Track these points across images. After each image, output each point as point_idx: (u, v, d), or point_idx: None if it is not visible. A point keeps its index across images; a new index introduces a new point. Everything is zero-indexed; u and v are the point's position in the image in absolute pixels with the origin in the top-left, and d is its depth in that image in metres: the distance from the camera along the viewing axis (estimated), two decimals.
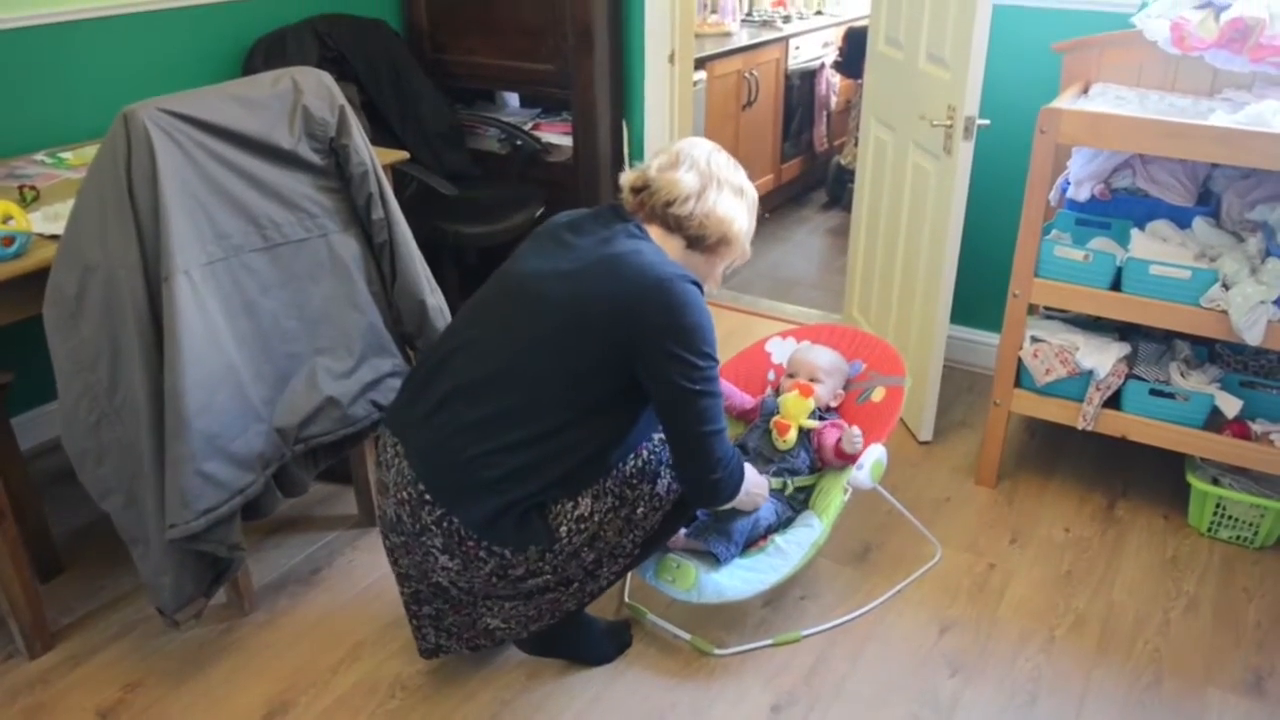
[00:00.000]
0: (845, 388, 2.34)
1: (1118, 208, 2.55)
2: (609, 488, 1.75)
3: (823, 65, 5.23)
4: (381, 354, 2.13)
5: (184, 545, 1.85)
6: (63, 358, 1.82)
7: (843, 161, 5.09)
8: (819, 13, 5.42)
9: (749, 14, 5.11)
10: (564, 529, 1.72)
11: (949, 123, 2.48)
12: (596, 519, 1.74)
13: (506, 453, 1.66)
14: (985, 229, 2.97)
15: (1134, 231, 2.44)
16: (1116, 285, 2.36)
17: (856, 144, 4.88)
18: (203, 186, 1.80)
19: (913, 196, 2.78)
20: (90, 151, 2.61)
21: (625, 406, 1.73)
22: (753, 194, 1.89)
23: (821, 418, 2.23)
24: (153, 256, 1.75)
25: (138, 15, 2.86)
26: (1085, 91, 2.63)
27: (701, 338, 1.66)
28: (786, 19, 5.07)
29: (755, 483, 1.98)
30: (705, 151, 1.84)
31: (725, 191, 1.81)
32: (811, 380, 2.26)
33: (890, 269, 2.96)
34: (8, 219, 1.92)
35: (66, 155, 2.59)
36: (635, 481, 1.78)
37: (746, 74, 4.50)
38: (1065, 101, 2.45)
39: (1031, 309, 2.51)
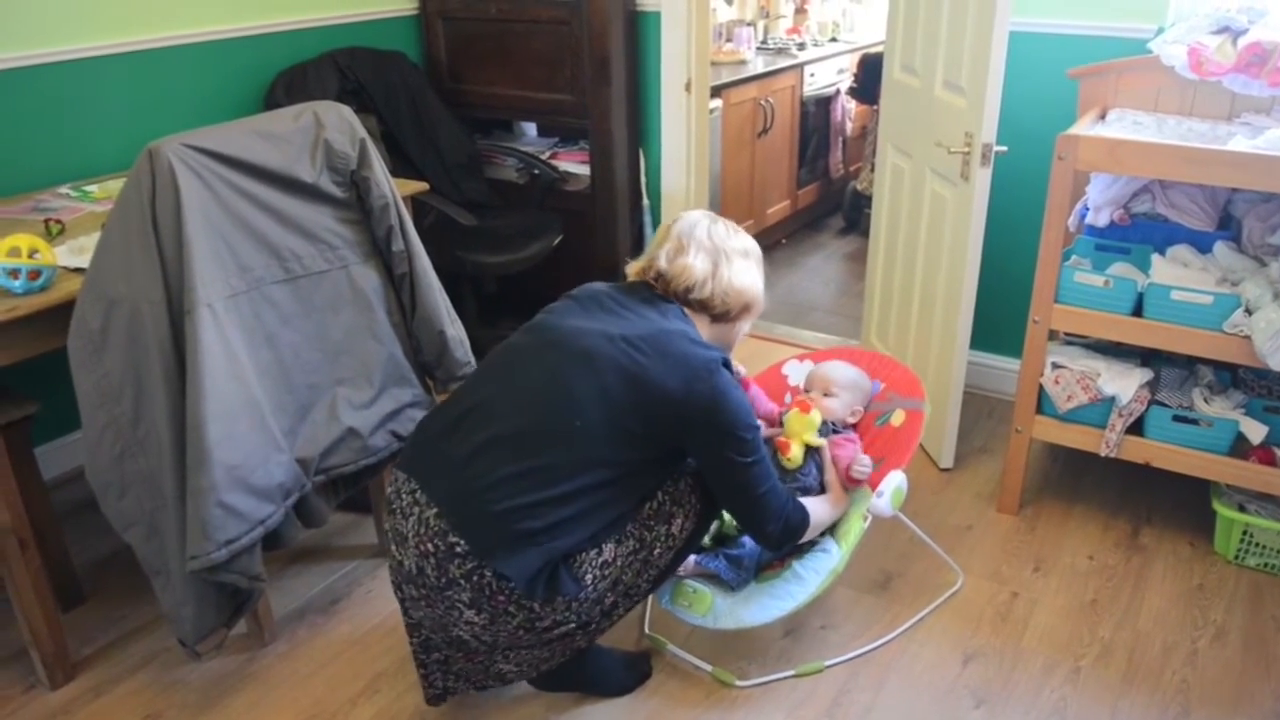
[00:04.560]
0: (866, 406, 2.33)
1: (1137, 233, 2.54)
2: (630, 531, 1.76)
3: (838, 91, 5.25)
4: (401, 384, 2.14)
5: (205, 576, 1.86)
6: (87, 390, 1.84)
7: (859, 187, 5.10)
8: (834, 39, 5.46)
9: (764, 42, 5.14)
10: (589, 576, 1.71)
11: (966, 150, 2.48)
12: (619, 563, 1.75)
13: (550, 506, 1.64)
14: (1004, 254, 2.96)
15: (1154, 257, 2.43)
16: (1138, 311, 2.35)
17: (873, 169, 4.90)
18: (226, 220, 1.82)
19: (930, 223, 2.77)
20: (114, 184, 2.65)
21: (668, 464, 1.79)
22: (756, 250, 1.96)
23: (835, 431, 2.21)
24: (176, 290, 1.77)
25: (161, 50, 2.91)
26: (1103, 117, 2.63)
27: (745, 415, 1.74)
28: (801, 46, 5.10)
29: (818, 513, 1.98)
30: (705, 227, 1.89)
31: (735, 261, 1.88)
32: (826, 394, 2.25)
33: (909, 295, 2.95)
34: (33, 253, 1.94)
35: (91, 188, 2.62)
36: (652, 524, 1.79)
37: (762, 101, 4.52)
38: (1083, 127, 2.45)
39: (1052, 335, 2.50)
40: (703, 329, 1.85)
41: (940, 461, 2.83)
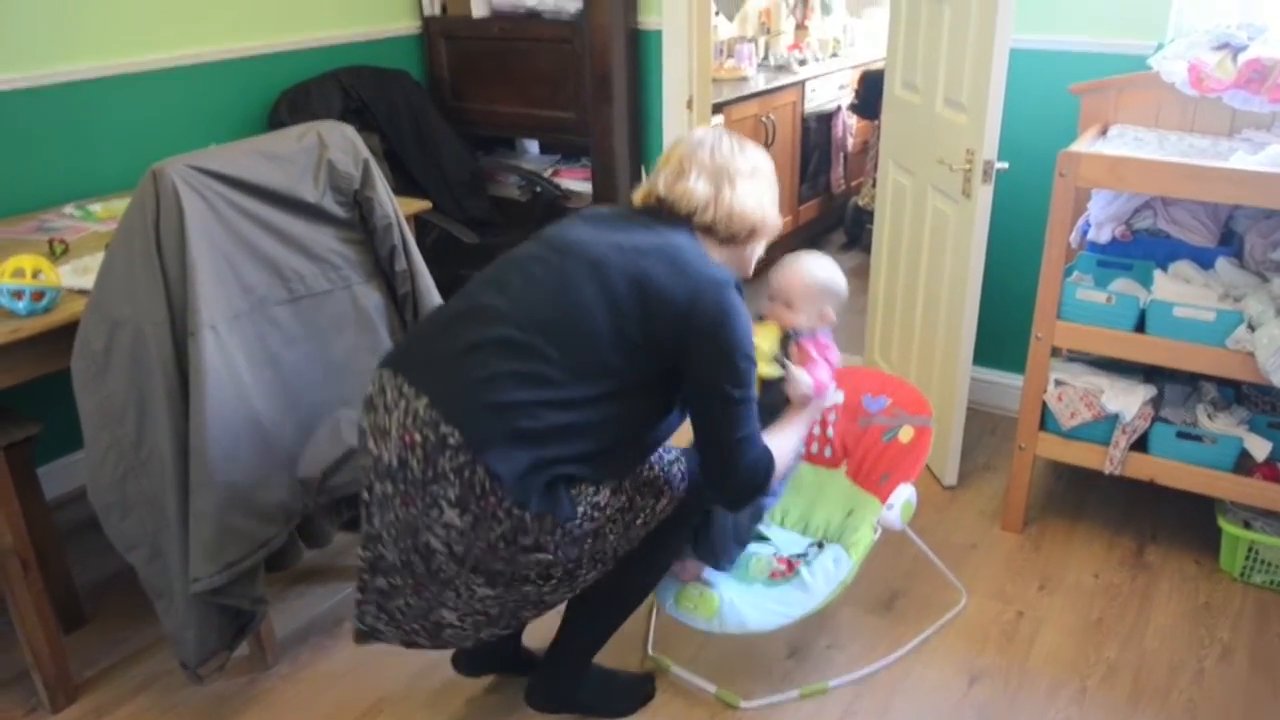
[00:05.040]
0: (866, 423, 2.31)
1: (1139, 249, 2.54)
2: (625, 487, 1.70)
3: (839, 108, 5.26)
4: None
5: (208, 599, 1.85)
6: (90, 412, 1.84)
7: (860, 203, 5.10)
8: (835, 55, 5.47)
9: (765, 58, 5.16)
10: (581, 509, 1.64)
11: (968, 167, 2.48)
12: (607, 513, 1.68)
13: (547, 409, 1.58)
14: (1006, 269, 2.96)
15: (1156, 273, 2.43)
16: (1140, 327, 2.35)
17: (874, 185, 4.90)
18: (229, 241, 1.83)
19: (932, 240, 2.78)
20: (118, 204, 2.65)
21: (661, 393, 1.71)
22: (766, 167, 1.85)
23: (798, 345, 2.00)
24: (180, 311, 1.77)
25: (165, 71, 2.92)
26: (1104, 133, 2.64)
27: (747, 341, 1.68)
28: (802, 62, 5.11)
29: (782, 452, 1.83)
30: (708, 147, 1.80)
31: (739, 183, 1.78)
32: (787, 306, 2.02)
33: (911, 312, 2.95)
34: (37, 273, 1.95)
35: (95, 208, 2.62)
36: (645, 491, 1.75)
37: (763, 118, 4.52)
38: (1084, 144, 2.45)
39: (1055, 351, 2.50)
40: (713, 251, 1.78)
41: (944, 479, 2.83)
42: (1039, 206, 2.61)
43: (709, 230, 1.78)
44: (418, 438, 1.56)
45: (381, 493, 1.64)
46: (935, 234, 2.75)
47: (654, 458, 1.78)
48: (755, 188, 1.81)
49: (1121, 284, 2.47)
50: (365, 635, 1.83)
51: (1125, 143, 2.52)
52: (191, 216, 1.75)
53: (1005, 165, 2.49)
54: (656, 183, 1.80)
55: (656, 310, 1.63)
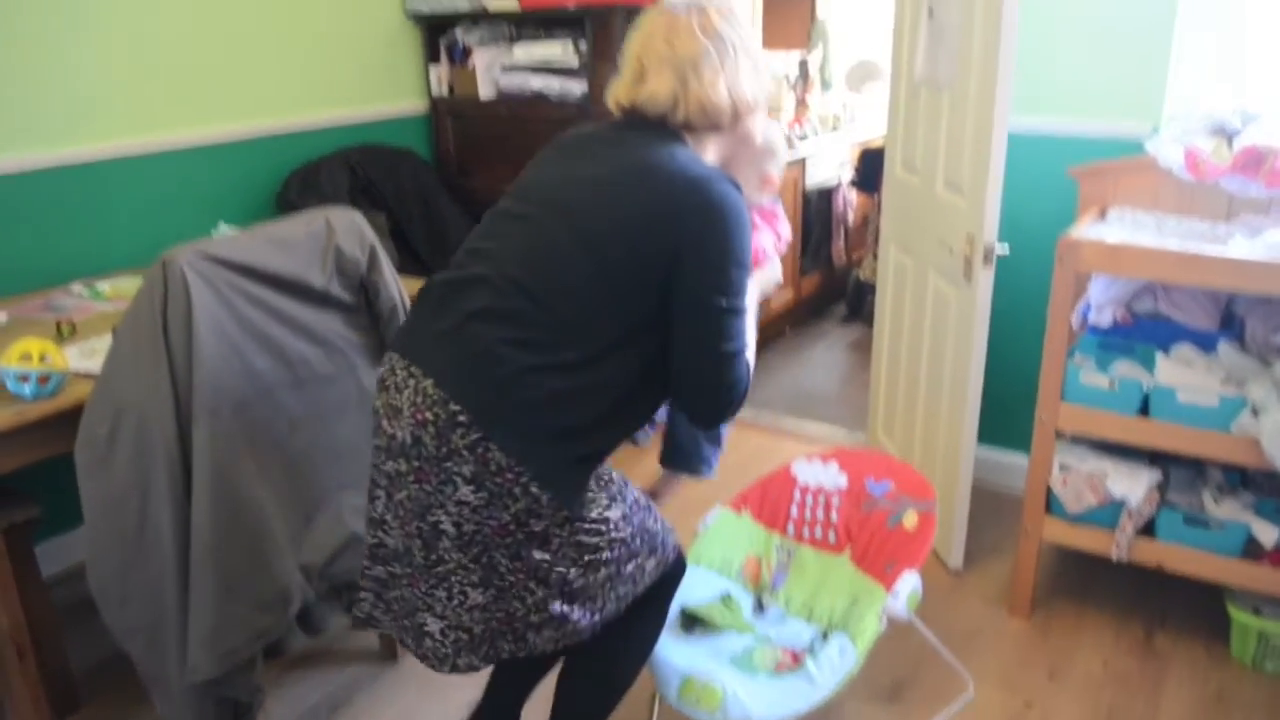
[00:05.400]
0: (870, 507, 2.30)
1: (1140, 331, 2.55)
2: (630, 523, 1.66)
3: (840, 183, 5.33)
4: None
5: (205, 689, 1.83)
6: (92, 499, 1.83)
7: (861, 276, 5.14)
8: (835, 130, 5.55)
9: None
10: (592, 513, 1.60)
11: (968, 250, 2.51)
12: (610, 535, 1.62)
13: (546, 374, 1.52)
14: (1009, 348, 2.97)
15: (1158, 356, 2.44)
16: (1144, 410, 2.35)
17: (875, 258, 4.95)
18: (237, 327, 1.84)
19: (934, 321, 2.79)
20: (126, 283, 2.68)
21: (659, 333, 1.60)
22: (735, 35, 1.67)
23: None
24: (185, 398, 1.77)
25: (176, 152, 2.97)
26: (1103, 216, 2.67)
27: (739, 247, 1.56)
28: (803, 138, 5.19)
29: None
30: (661, 36, 1.65)
31: (705, 69, 1.63)
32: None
33: (914, 391, 2.96)
34: (44, 357, 1.96)
35: (103, 287, 2.65)
36: (644, 538, 1.70)
37: None
38: (1083, 228, 2.48)
39: (1059, 433, 2.49)
40: (704, 145, 1.67)
41: (949, 561, 2.80)
42: (1040, 287, 2.63)
43: (689, 126, 1.66)
44: (429, 415, 1.53)
45: (394, 470, 1.59)
46: (937, 315, 2.77)
47: (654, 515, 1.75)
48: (724, 68, 1.64)
49: (1124, 367, 2.48)
50: (363, 621, 1.76)
51: (1124, 226, 2.55)
52: (199, 304, 1.76)
53: (1006, 249, 2.51)
54: (619, 90, 1.69)
55: (642, 239, 1.54)
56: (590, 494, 1.61)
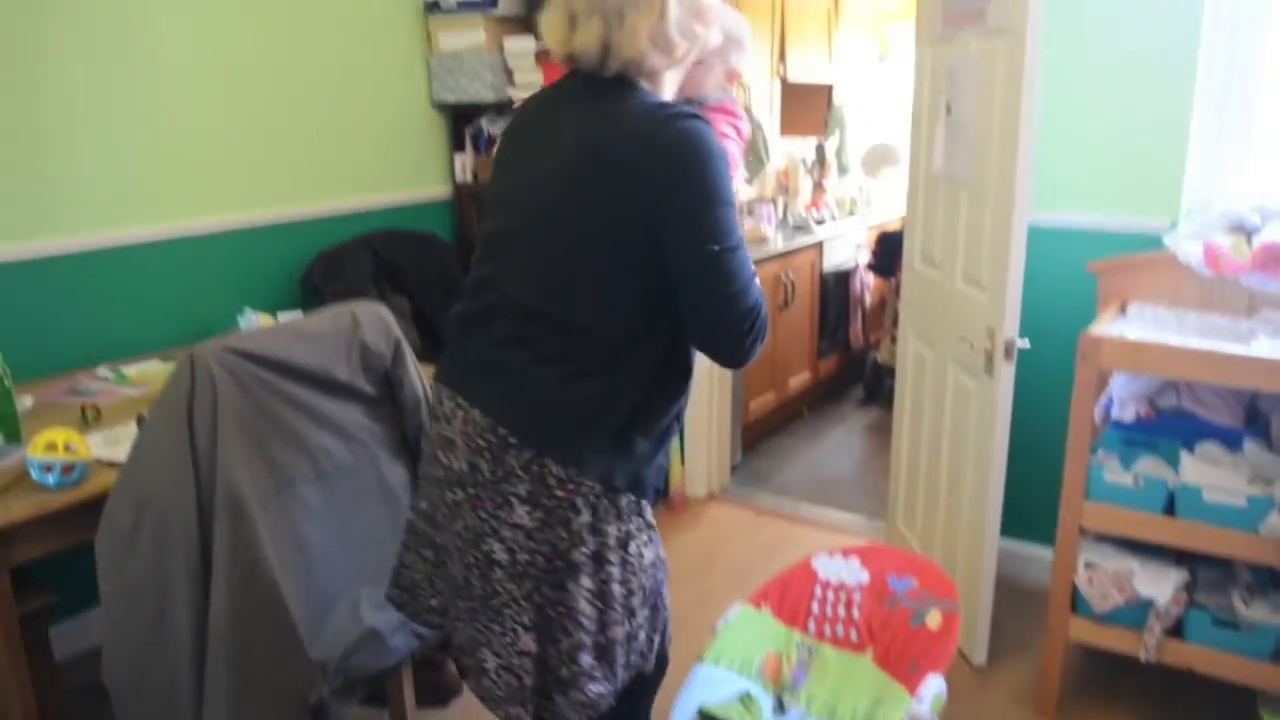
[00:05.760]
0: (892, 604, 2.27)
1: (1164, 427, 2.53)
2: (654, 576, 1.65)
3: (857, 266, 5.37)
4: None
5: None
6: (111, 591, 1.83)
7: (879, 358, 5.16)
8: (851, 214, 5.61)
9: (784, 218, 5.30)
10: (634, 525, 1.60)
11: (989, 345, 2.51)
12: (642, 562, 1.61)
13: (580, 382, 1.52)
14: (1031, 441, 2.95)
15: (1183, 455, 2.41)
16: (1170, 509, 2.32)
17: (893, 340, 4.96)
18: (261, 421, 1.85)
19: (955, 414, 2.78)
20: (151, 367, 2.71)
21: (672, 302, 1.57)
22: None
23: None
24: (208, 493, 1.78)
25: (203, 237, 3.02)
26: (1123, 311, 2.67)
27: (713, 187, 1.47)
28: (820, 222, 5.25)
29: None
30: None
31: (627, 13, 1.51)
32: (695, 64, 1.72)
33: (935, 483, 2.93)
34: (69, 446, 1.97)
35: (129, 371, 2.67)
36: (660, 596, 1.69)
37: (783, 276, 4.62)
38: (1104, 324, 2.48)
39: (1084, 530, 2.46)
40: (659, 86, 1.58)
41: (973, 658, 2.74)
42: (1061, 380, 2.63)
43: (635, 70, 1.55)
44: (482, 442, 1.55)
45: (452, 501, 1.61)
46: (958, 408, 2.76)
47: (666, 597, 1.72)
48: (648, 12, 1.52)
49: (1148, 464, 2.45)
50: (442, 648, 1.78)
51: (1145, 322, 2.55)
52: (225, 398, 1.78)
53: (1027, 344, 2.51)
54: (551, 38, 1.58)
55: (620, 222, 1.49)
56: (637, 526, 1.61)
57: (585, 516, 1.54)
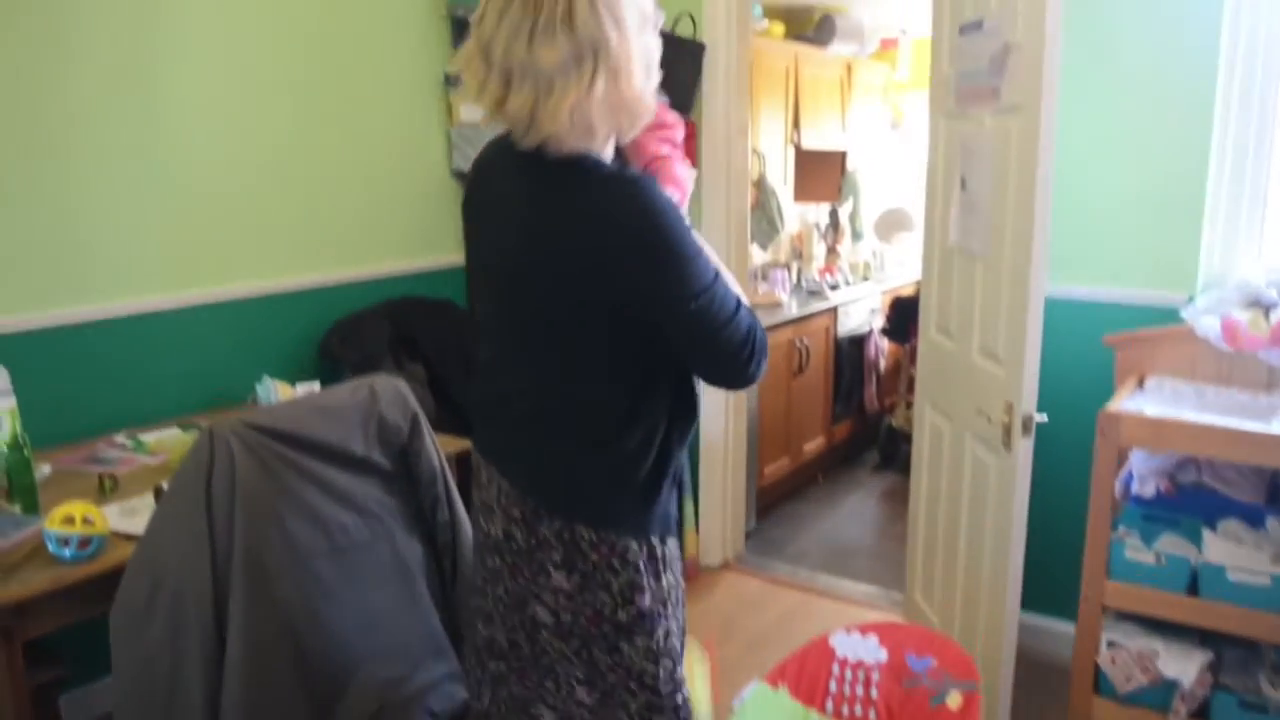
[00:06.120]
0: (911, 684, 2.22)
1: (1185, 503, 2.51)
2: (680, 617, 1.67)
3: (871, 330, 5.37)
4: (438, 657, 2.10)
5: None
6: (124, 664, 1.82)
7: (894, 423, 5.13)
8: (865, 279, 5.64)
9: (798, 283, 5.32)
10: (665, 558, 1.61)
11: (1006, 419, 2.49)
12: (670, 598, 1.62)
13: (597, 449, 1.54)
14: (1050, 515, 2.92)
15: (1205, 532, 2.39)
16: (1193, 587, 2.29)
17: (908, 406, 4.95)
18: (279, 497, 1.85)
19: (972, 487, 2.76)
20: (170, 435, 2.72)
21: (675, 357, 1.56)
22: (610, 33, 1.38)
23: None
24: (223, 568, 1.78)
25: (222, 305, 3.05)
26: (1141, 385, 2.66)
27: (672, 250, 1.42)
28: (834, 287, 5.27)
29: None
30: (525, 29, 1.35)
31: (557, 81, 1.37)
32: None
33: (953, 557, 2.90)
34: (86, 519, 1.98)
35: (148, 439, 2.68)
36: (677, 653, 1.67)
37: (798, 342, 4.63)
38: (1122, 399, 2.47)
39: (1106, 608, 2.43)
40: (599, 141, 1.48)
41: None
42: (1078, 452, 2.61)
43: (557, 148, 1.44)
44: (516, 512, 1.58)
45: (492, 567, 1.64)
46: (976, 482, 2.73)
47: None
48: (574, 87, 1.38)
49: (1169, 541, 2.42)
50: (483, 716, 1.73)
51: (1164, 397, 2.54)
52: (244, 475, 1.79)
53: (1045, 418, 2.50)
54: (487, 100, 1.43)
55: (589, 303, 1.47)
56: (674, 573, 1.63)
57: (626, 576, 1.56)
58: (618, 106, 1.42)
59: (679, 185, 1.61)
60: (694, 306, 1.45)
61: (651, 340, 1.52)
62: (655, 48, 1.48)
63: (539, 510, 1.56)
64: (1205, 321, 2.55)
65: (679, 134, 1.66)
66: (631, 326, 1.50)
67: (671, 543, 1.65)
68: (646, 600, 1.58)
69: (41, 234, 2.64)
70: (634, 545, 1.56)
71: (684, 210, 1.57)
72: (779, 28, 4.91)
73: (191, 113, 2.93)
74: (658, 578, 1.60)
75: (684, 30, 3.39)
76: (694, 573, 3.78)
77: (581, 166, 1.45)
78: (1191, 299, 2.72)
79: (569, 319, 1.50)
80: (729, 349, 1.50)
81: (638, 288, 1.45)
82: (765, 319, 4.34)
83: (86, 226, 2.73)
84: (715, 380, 1.59)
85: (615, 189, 1.43)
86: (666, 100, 1.60)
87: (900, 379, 5.32)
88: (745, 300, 1.56)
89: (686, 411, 1.63)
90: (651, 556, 1.59)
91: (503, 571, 1.62)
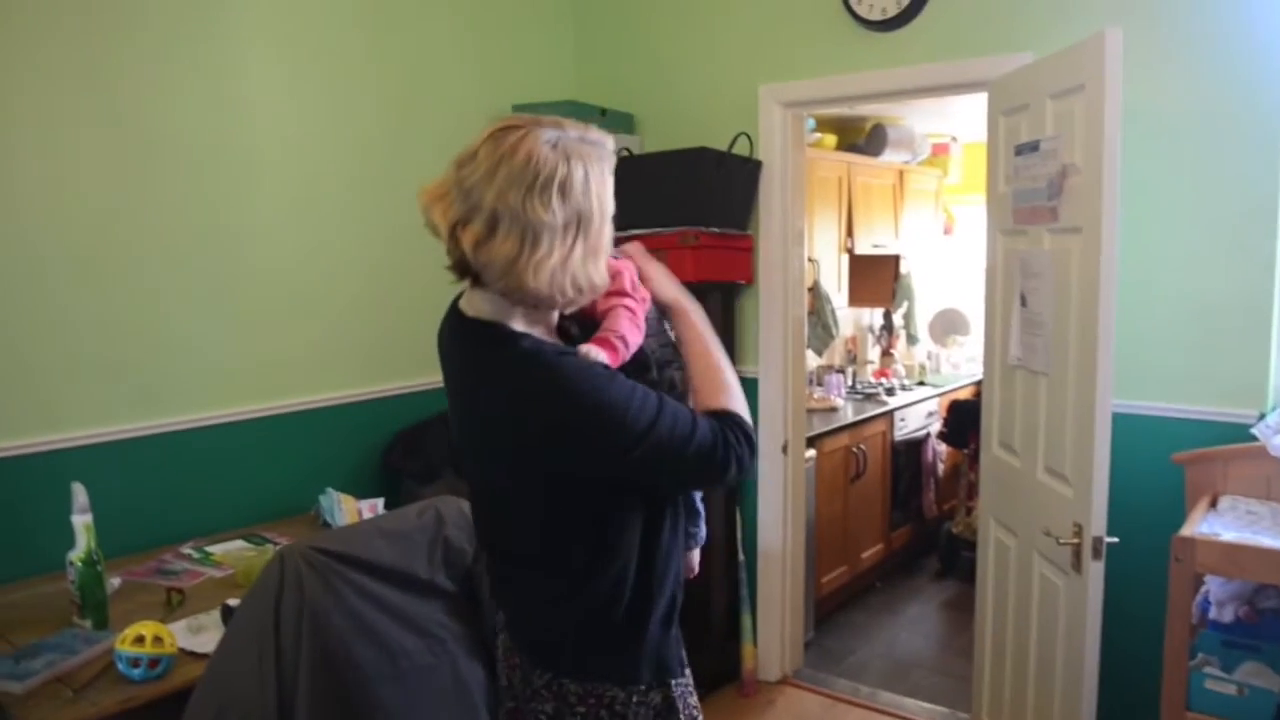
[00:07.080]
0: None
1: (1268, 630, 2.41)
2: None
3: (928, 434, 5.32)
4: None
5: None
6: None
7: (954, 529, 5.03)
8: (921, 383, 5.60)
9: (853, 386, 5.31)
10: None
11: (1076, 541, 2.44)
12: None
13: (576, 604, 1.57)
14: (1121, 636, 2.82)
15: None
16: (1278, 718, 2.19)
17: (968, 513, 4.86)
18: (345, 621, 1.86)
19: (1042, 608, 2.69)
20: (235, 548, 2.76)
21: (639, 502, 1.56)
22: (588, 205, 1.41)
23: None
24: (289, 693, 1.78)
25: (288, 415, 3.12)
26: (1214, 505, 2.59)
27: (590, 413, 1.40)
28: (890, 391, 5.24)
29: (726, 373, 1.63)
30: (524, 182, 1.37)
31: (544, 237, 1.38)
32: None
33: (1022, 682, 2.81)
34: (157, 640, 2.01)
35: (214, 551, 2.73)
36: None
37: (854, 448, 4.59)
38: (1196, 522, 2.41)
39: None
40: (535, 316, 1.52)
41: None
42: (1152, 577, 2.53)
43: (520, 300, 1.46)
44: (514, 661, 1.68)
45: (503, 712, 1.74)
46: (1045, 602, 2.66)
47: None
48: (561, 240, 1.40)
49: (1251, 669, 2.33)
50: None
51: (1238, 518, 2.47)
52: (312, 599, 1.80)
53: (1115, 540, 2.44)
54: (466, 237, 1.42)
55: (532, 477, 1.51)
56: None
57: None
58: (580, 279, 1.44)
59: (624, 336, 1.57)
60: (638, 454, 1.42)
61: (605, 490, 1.51)
62: (610, 238, 1.50)
63: (530, 662, 1.63)
64: (1278, 441, 2.49)
65: (627, 280, 1.62)
66: (574, 485, 1.50)
67: (678, 683, 1.64)
68: None
69: (118, 354, 2.74)
70: (620, 694, 1.58)
71: (635, 346, 1.57)
72: (831, 139, 5.00)
73: (260, 231, 3.04)
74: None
75: (740, 149, 3.47)
76: (752, 688, 3.70)
77: (494, 338, 1.48)
78: (1262, 416, 2.67)
79: (510, 484, 1.58)
80: (698, 464, 1.47)
81: (572, 459, 1.46)
82: (820, 425, 4.34)
83: (155, 342, 2.81)
84: (702, 488, 1.69)
85: (524, 371, 1.44)
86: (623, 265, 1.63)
87: (959, 484, 5.23)
88: (703, 407, 1.54)
89: (663, 546, 1.60)
90: (644, 703, 1.59)
91: (510, 717, 1.70)
